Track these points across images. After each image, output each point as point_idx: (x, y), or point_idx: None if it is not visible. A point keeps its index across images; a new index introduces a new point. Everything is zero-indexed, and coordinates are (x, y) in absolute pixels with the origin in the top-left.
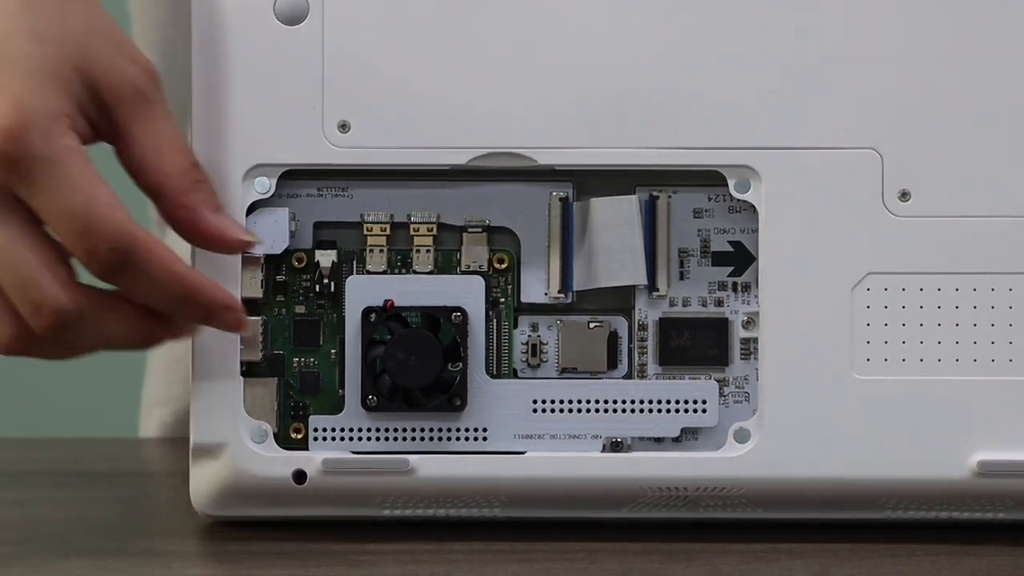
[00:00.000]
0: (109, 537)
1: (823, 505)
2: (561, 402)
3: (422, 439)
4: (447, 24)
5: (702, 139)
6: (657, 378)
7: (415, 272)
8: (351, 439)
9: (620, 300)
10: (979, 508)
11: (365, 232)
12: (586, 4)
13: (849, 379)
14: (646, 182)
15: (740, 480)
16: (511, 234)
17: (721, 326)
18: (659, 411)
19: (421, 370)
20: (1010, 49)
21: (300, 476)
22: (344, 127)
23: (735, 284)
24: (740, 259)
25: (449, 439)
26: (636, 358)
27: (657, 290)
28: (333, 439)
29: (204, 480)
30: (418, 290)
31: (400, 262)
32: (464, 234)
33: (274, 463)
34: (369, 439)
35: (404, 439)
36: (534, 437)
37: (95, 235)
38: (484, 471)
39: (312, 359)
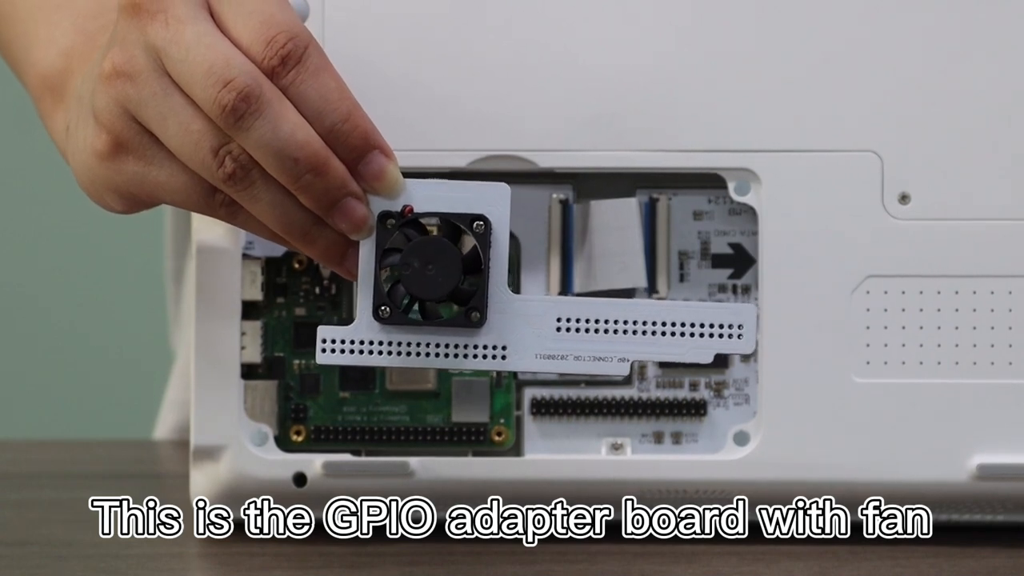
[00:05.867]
0: (108, 539)
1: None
2: (587, 321)
3: (436, 355)
4: (447, 27)
5: (702, 142)
6: (657, 380)
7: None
8: (360, 352)
9: None
10: (979, 511)
11: None
12: (586, 7)
13: (848, 382)
14: (646, 184)
15: (739, 483)
16: (511, 236)
17: None
18: (691, 335)
19: (438, 281)
20: (1010, 52)
21: (300, 479)
22: None
23: (735, 286)
24: (740, 261)
25: (465, 356)
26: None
27: (657, 292)
28: (342, 351)
29: (204, 483)
30: (440, 196)
31: None
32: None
33: (274, 466)
34: (380, 353)
35: (417, 354)
36: (556, 357)
37: (278, 25)
38: (485, 474)
39: (312, 361)
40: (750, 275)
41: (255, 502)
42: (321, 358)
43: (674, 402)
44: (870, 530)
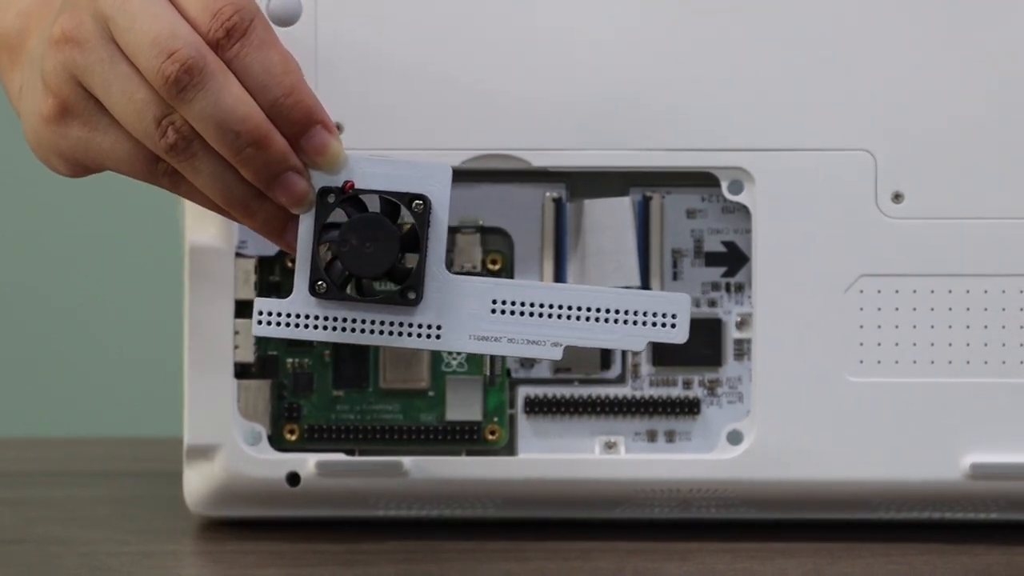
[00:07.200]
0: (103, 537)
1: (816, 507)
2: (522, 304)
3: (371, 332)
4: (440, 26)
5: (695, 141)
6: (651, 378)
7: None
8: (296, 325)
9: None
10: (972, 509)
11: None
12: (579, 6)
13: (842, 381)
14: (639, 183)
15: (733, 482)
16: (505, 235)
17: (714, 327)
18: (624, 322)
19: (375, 258)
20: (1004, 50)
21: (294, 478)
22: (338, 128)
23: (728, 284)
24: (733, 259)
25: (400, 334)
26: (629, 359)
27: (650, 290)
28: (278, 324)
29: (197, 482)
30: (381, 174)
31: None
32: (458, 235)
33: (267, 465)
34: (316, 327)
35: (352, 330)
36: (490, 339)
37: None
38: (478, 472)
39: (305, 359)
40: (743, 273)
41: (249, 501)
42: (257, 330)
43: (667, 400)
44: (864, 528)
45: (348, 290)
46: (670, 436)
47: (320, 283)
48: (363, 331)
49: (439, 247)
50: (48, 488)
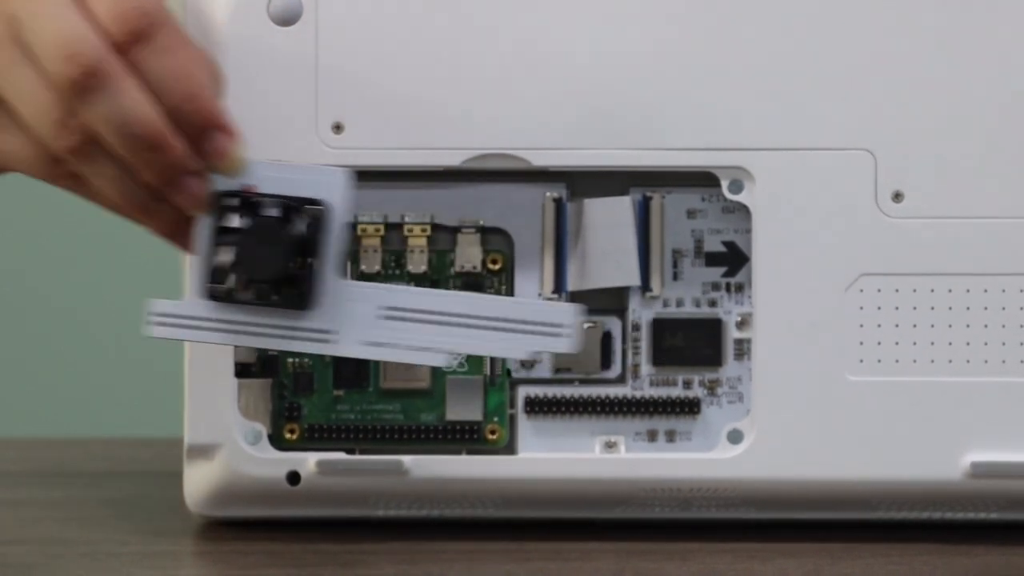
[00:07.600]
0: (103, 537)
1: (816, 506)
2: (415, 311)
3: (265, 335)
4: (441, 26)
5: (695, 140)
6: (651, 378)
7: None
8: (190, 327)
9: (614, 301)
10: (972, 508)
11: (359, 233)
12: (579, 6)
13: (842, 380)
14: (639, 183)
15: (733, 481)
16: (505, 235)
17: (714, 326)
18: (514, 331)
19: (268, 262)
20: (1003, 50)
21: (294, 477)
22: (338, 128)
23: (728, 284)
24: (733, 259)
25: (293, 338)
26: (629, 358)
27: (650, 290)
28: (173, 325)
29: (198, 481)
30: (280, 178)
31: (394, 263)
32: (458, 235)
33: (268, 464)
34: (210, 329)
35: (246, 333)
36: (381, 345)
37: (132, 0)
38: (478, 472)
39: (306, 359)
40: (743, 273)
41: (249, 500)
42: (149, 331)
43: (668, 400)
44: (864, 528)
45: (242, 293)
46: (670, 436)
47: (214, 285)
48: (255, 334)
49: (334, 252)
50: (48, 488)
